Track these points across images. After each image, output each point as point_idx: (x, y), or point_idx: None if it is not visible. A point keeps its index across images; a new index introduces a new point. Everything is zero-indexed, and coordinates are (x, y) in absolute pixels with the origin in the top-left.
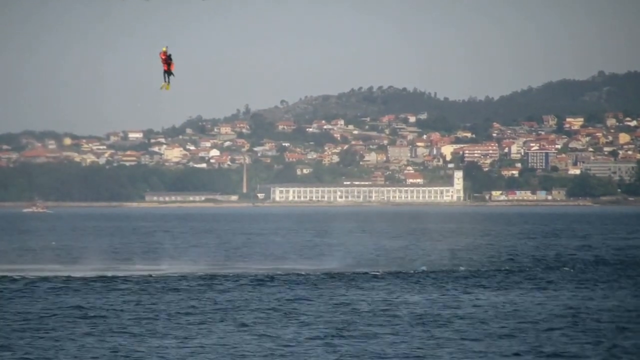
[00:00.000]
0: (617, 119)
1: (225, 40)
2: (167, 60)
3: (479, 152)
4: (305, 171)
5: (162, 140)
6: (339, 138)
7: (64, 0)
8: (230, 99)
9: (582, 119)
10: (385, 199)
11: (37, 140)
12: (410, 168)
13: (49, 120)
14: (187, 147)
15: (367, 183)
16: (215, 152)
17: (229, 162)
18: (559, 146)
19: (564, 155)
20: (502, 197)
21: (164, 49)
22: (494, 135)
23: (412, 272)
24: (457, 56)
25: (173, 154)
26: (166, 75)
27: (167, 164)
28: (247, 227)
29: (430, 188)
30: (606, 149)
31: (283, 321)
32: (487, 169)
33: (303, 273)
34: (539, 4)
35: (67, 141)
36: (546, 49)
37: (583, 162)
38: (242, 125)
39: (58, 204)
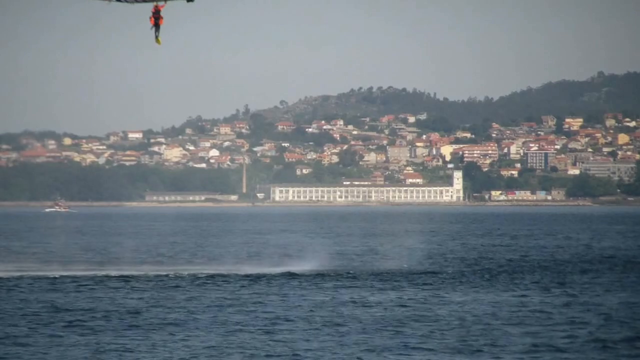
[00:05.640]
0: (616, 120)
1: (225, 41)
2: (156, 14)
3: (478, 152)
4: (304, 171)
5: (162, 140)
6: (338, 138)
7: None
8: (229, 99)
9: (581, 120)
10: (385, 199)
11: (37, 140)
12: (409, 168)
13: (49, 120)
14: (187, 147)
15: (366, 183)
16: (214, 152)
17: (228, 162)
18: (558, 146)
19: (563, 155)
20: (502, 197)
21: (156, 3)
22: (494, 135)
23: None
24: (457, 57)
25: (173, 154)
26: (154, 29)
27: (166, 163)
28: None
29: (430, 188)
30: (605, 149)
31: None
32: (486, 169)
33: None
34: (539, 5)
35: (67, 141)
36: (546, 50)
37: (582, 163)
38: (241, 125)
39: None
